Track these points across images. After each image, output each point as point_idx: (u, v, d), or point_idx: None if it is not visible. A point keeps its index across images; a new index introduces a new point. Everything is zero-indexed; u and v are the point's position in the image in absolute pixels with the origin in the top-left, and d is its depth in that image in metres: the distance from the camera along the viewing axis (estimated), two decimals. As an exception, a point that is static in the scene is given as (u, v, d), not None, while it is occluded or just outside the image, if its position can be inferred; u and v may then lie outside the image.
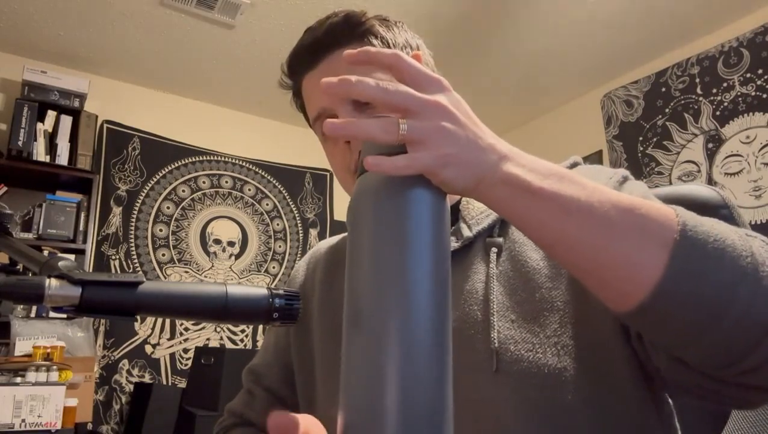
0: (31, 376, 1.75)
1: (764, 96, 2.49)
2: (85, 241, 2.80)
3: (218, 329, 3.27)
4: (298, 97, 0.72)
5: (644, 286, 0.40)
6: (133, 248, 3.13)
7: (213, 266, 3.35)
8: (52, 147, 2.77)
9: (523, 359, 0.54)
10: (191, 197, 3.38)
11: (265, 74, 3.16)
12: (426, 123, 0.40)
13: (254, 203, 3.57)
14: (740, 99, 2.56)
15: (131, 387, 2.89)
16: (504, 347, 0.55)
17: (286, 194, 3.70)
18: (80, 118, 2.87)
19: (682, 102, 2.79)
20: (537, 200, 0.42)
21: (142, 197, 3.21)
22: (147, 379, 2.98)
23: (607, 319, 0.53)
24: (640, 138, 2.97)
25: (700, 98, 2.72)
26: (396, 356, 0.36)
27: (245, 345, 3.31)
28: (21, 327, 2.12)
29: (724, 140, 2.61)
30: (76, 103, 2.88)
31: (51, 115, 2.79)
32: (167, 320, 3.11)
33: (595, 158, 3.22)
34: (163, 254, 3.22)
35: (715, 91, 2.67)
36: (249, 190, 3.57)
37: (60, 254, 0.52)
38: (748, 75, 2.54)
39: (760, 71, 2.51)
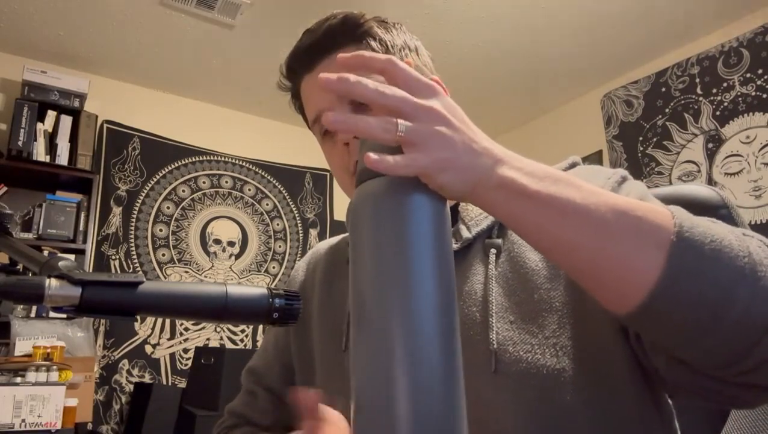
0: (31, 376, 1.75)
1: (764, 96, 2.49)
2: (85, 241, 2.80)
3: (218, 329, 3.27)
4: (297, 99, 0.72)
5: (642, 288, 0.40)
6: (133, 248, 3.13)
7: (213, 266, 3.35)
8: (52, 147, 2.77)
9: (522, 360, 0.54)
10: (191, 197, 3.38)
11: (264, 74, 3.16)
12: (422, 127, 0.40)
13: (254, 203, 3.57)
14: (740, 99, 2.56)
15: (131, 387, 2.89)
16: (503, 348, 0.55)
17: (286, 194, 3.70)
18: (80, 118, 2.87)
19: (682, 102, 2.79)
20: (533, 203, 0.42)
21: (142, 197, 3.21)
22: (147, 379, 2.98)
23: (606, 320, 0.53)
24: (640, 138, 2.97)
25: (700, 98, 2.72)
26: (404, 355, 0.36)
27: (245, 345, 3.31)
28: (21, 327, 2.13)
29: (724, 140, 2.62)
30: (76, 103, 2.88)
31: (51, 115, 2.79)
32: (167, 320, 3.11)
33: (595, 158, 3.22)
34: (163, 254, 3.22)
35: (715, 91, 2.67)
36: (249, 190, 3.58)
37: (60, 254, 0.52)
38: (748, 75, 2.55)
39: (760, 71, 2.51)
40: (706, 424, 0.72)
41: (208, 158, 3.48)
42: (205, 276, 3.31)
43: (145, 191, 3.23)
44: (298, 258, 3.61)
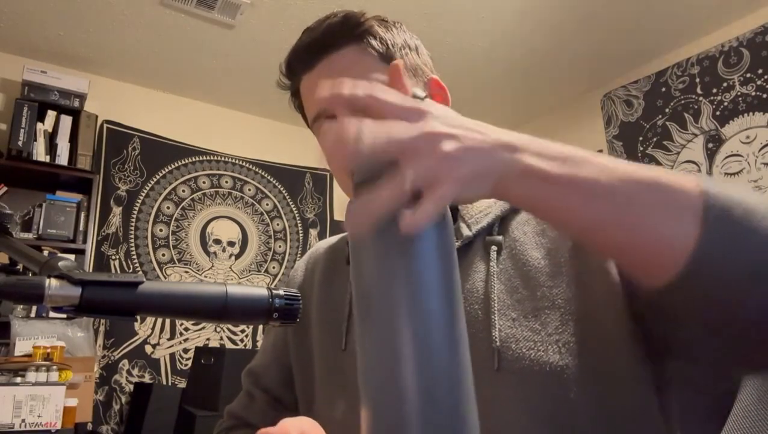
0: (31, 376, 1.75)
1: (764, 96, 2.49)
2: (85, 241, 2.80)
3: (218, 329, 3.27)
4: (297, 98, 0.72)
5: (677, 259, 0.40)
6: (133, 248, 3.13)
7: (213, 266, 3.35)
8: (52, 147, 2.77)
9: (525, 357, 0.54)
10: (191, 197, 3.38)
11: (265, 74, 3.16)
12: (427, 161, 0.37)
13: (254, 203, 3.57)
14: (740, 99, 2.56)
15: (131, 387, 2.89)
16: (505, 345, 0.55)
17: (286, 194, 3.70)
18: (80, 118, 2.87)
19: (682, 102, 2.79)
20: (557, 188, 0.41)
21: (142, 197, 3.21)
22: (147, 379, 2.98)
23: (609, 316, 0.53)
24: (640, 138, 2.97)
25: (700, 98, 2.72)
26: (412, 351, 0.36)
27: (245, 345, 3.31)
28: (21, 327, 2.13)
29: (724, 140, 2.61)
30: (76, 103, 2.88)
31: (51, 115, 2.79)
32: (167, 320, 3.11)
33: (595, 158, 3.22)
34: (163, 254, 3.22)
35: (715, 91, 2.67)
36: (249, 190, 3.57)
37: (60, 254, 0.52)
38: (748, 75, 2.54)
39: (760, 71, 2.51)
40: (708, 422, 0.72)
41: (208, 158, 3.48)
42: (205, 276, 3.31)
43: (145, 191, 3.23)
44: (298, 258, 3.61)
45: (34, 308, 2.51)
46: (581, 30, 2.79)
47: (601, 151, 3.23)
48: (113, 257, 3.04)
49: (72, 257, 2.58)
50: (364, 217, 0.37)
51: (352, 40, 0.65)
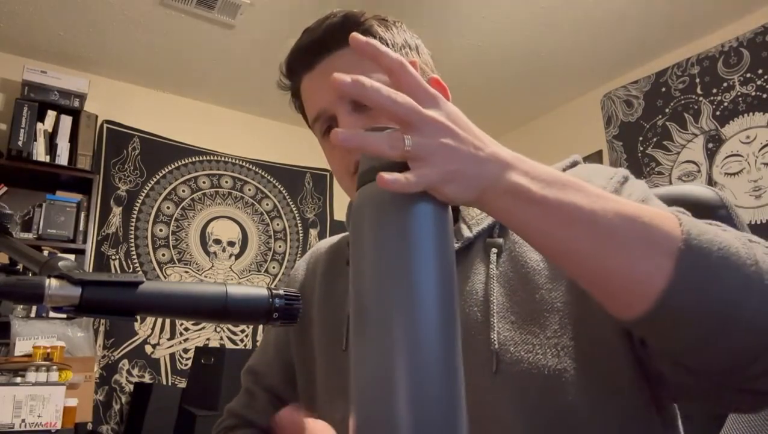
0: (31, 376, 1.75)
1: (764, 96, 2.49)
2: (85, 241, 2.80)
3: (218, 329, 3.27)
4: (297, 98, 0.72)
5: (649, 296, 0.40)
6: (133, 248, 3.13)
7: (213, 266, 3.35)
8: (52, 147, 2.77)
9: (523, 360, 0.54)
10: (191, 197, 3.38)
11: (265, 74, 3.15)
12: (428, 140, 0.40)
13: (254, 203, 3.57)
14: (740, 99, 2.56)
15: (131, 387, 2.89)
16: (504, 348, 0.55)
17: (286, 194, 3.70)
18: (80, 118, 2.87)
19: (682, 102, 2.79)
20: (539, 209, 0.42)
21: (142, 197, 3.21)
22: (147, 379, 2.98)
23: (608, 320, 0.53)
24: (640, 138, 2.97)
25: (700, 98, 2.72)
26: (405, 356, 0.36)
27: (245, 345, 3.31)
28: (21, 327, 2.13)
29: (724, 140, 2.62)
30: (76, 103, 2.88)
31: (51, 115, 2.79)
32: (167, 320, 3.11)
33: (595, 158, 3.22)
34: (163, 254, 3.22)
35: (715, 91, 2.67)
36: (249, 190, 3.58)
37: (60, 254, 0.52)
38: (748, 75, 2.55)
39: (760, 71, 2.51)
40: (709, 424, 0.72)
41: (208, 158, 3.48)
42: (205, 276, 3.31)
43: (145, 191, 3.23)
44: (298, 258, 3.61)
45: (34, 308, 2.51)
46: (581, 30, 2.79)
47: (601, 151, 3.24)
48: (113, 257, 3.04)
49: (72, 257, 2.58)
50: (357, 140, 0.39)
51: None
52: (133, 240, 3.13)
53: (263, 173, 3.65)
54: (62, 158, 2.78)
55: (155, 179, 3.28)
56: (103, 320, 2.86)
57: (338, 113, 0.62)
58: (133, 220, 3.16)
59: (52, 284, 0.39)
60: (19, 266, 0.59)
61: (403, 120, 0.40)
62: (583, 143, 3.33)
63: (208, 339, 3.23)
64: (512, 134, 3.88)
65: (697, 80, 2.74)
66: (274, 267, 3.54)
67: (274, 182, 3.67)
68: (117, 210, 3.11)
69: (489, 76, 3.23)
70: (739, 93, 2.57)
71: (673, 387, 0.50)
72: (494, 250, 0.60)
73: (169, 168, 3.34)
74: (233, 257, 3.42)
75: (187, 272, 3.26)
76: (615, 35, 2.83)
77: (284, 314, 0.46)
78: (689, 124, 2.76)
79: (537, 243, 0.44)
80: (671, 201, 0.57)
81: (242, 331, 3.34)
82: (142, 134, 3.27)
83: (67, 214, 2.76)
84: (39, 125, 2.74)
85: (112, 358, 2.90)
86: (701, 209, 0.71)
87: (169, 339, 3.12)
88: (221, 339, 3.27)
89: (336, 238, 0.82)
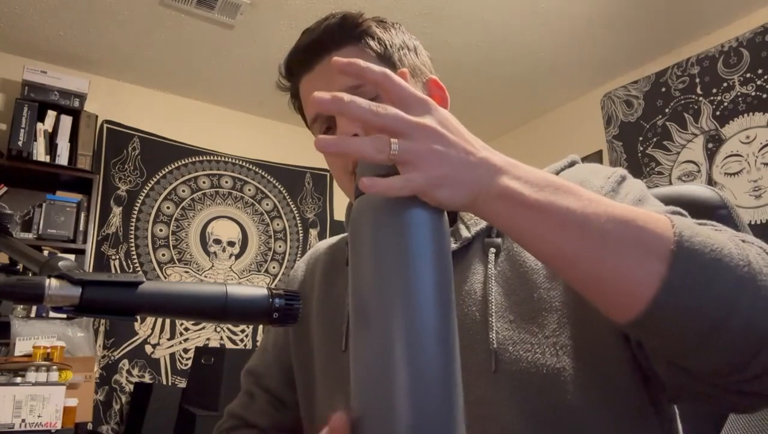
0: (31, 376, 1.76)
1: (764, 96, 2.49)
2: (85, 241, 2.80)
3: (218, 329, 3.27)
4: (296, 99, 0.72)
5: (642, 298, 0.40)
6: (133, 248, 3.13)
7: (213, 266, 3.35)
8: (52, 147, 2.77)
9: (522, 359, 0.54)
10: (191, 197, 3.38)
11: (265, 74, 3.16)
12: (416, 145, 0.40)
13: (254, 203, 3.57)
14: (740, 99, 2.56)
15: (131, 387, 2.89)
16: (503, 347, 0.55)
17: (286, 194, 3.70)
18: (80, 118, 2.87)
19: (682, 102, 2.79)
20: (532, 213, 0.42)
21: (142, 197, 3.21)
22: (147, 379, 2.98)
23: (605, 320, 0.53)
24: (640, 138, 2.97)
25: (700, 98, 2.72)
26: (403, 355, 0.36)
27: (245, 345, 3.31)
28: (21, 326, 2.13)
29: (724, 140, 2.61)
30: (76, 103, 2.88)
31: (51, 115, 2.79)
32: (167, 320, 3.11)
33: (595, 158, 3.22)
34: (163, 254, 3.22)
35: (715, 91, 2.67)
36: (249, 190, 3.58)
37: (60, 254, 0.52)
38: (748, 75, 2.54)
39: (760, 71, 2.51)
40: (708, 423, 0.72)
41: (208, 158, 3.48)
42: (205, 276, 3.31)
43: (145, 191, 3.23)
44: (298, 258, 3.61)
45: (34, 308, 2.51)
46: (581, 30, 2.79)
47: (600, 151, 3.24)
48: (113, 257, 3.04)
49: (72, 257, 2.58)
50: (341, 145, 0.40)
51: (351, 41, 0.65)
52: (133, 240, 3.13)
53: (263, 173, 3.65)
54: (62, 158, 2.78)
55: (155, 179, 3.28)
56: (103, 320, 2.86)
57: (335, 114, 0.62)
58: (133, 220, 3.16)
59: (52, 284, 0.40)
60: (19, 266, 0.59)
61: (389, 130, 0.40)
62: (582, 143, 3.33)
63: (208, 339, 3.23)
64: (512, 134, 3.88)
65: (697, 80, 2.74)
66: (274, 267, 3.54)
67: (274, 182, 3.67)
68: (117, 210, 3.11)
69: (489, 76, 3.23)
70: (739, 93, 2.57)
71: (670, 387, 0.50)
72: (492, 250, 0.61)
73: (169, 168, 3.34)
74: (233, 257, 3.42)
75: (187, 272, 3.26)
76: (615, 35, 2.83)
77: (284, 315, 0.46)
78: (689, 124, 2.76)
79: (530, 247, 0.44)
80: (671, 201, 0.57)
81: (242, 331, 3.34)
82: (142, 134, 3.27)
83: (67, 214, 2.76)
84: (39, 125, 2.74)
85: (112, 358, 2.90)
86: (701, 209, 0.71)
87: (169, 339, 3.12)
88: (221, 339, 3.27)
89: (335, 238, 0.82)
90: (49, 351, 1.91)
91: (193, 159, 3.43)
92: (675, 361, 0.45)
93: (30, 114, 2.71)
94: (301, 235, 3.69)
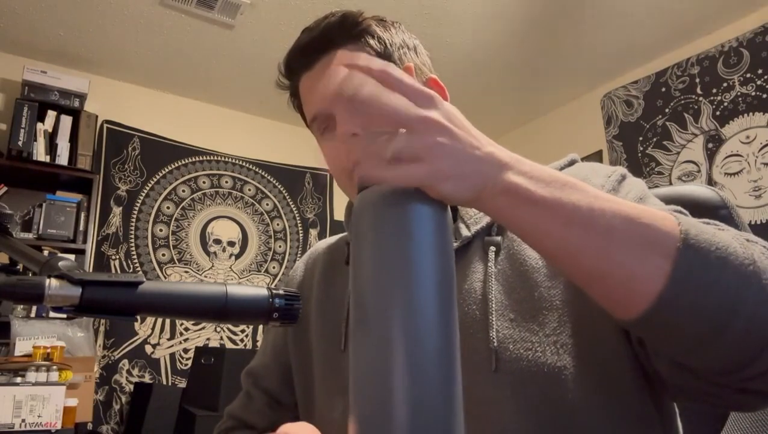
0: (31, 376, 1.75)
1: (764, 96, 2.49)
2: (85, 241, 2.80)
3: (218, 329, 3.27)
4: (296, 98, 0.72)
5: (647, 296, 0.40)
6: (133, 248, 3.13)
7: (213, 266, 3.35)
8: (52, 147, 2.77)
9: (522, 358, 0.54)
10: (191, 197, 3.38)
11: (265, 74, 3.16)
12: (421, 139, 0.40)
13: (254, 203, 3.57)
14: (740, 99, 2.56)
15: (131, 387, 2.89)
16: (503, 346, 0.55)
17: (286, 194, 3.70)
18: (80, 118, 2.87)
19: (682, 102, 2.79)
20: (538, 209, 0.41)
21: (142, 197, 3.21)
22: (147, 379, 2.98)
23: (607, 318, 0.53)
24: (640, 138, 2.97)
25: (700, 98, 2.72)
26: (403, 356, 0.36)
27: (245, 345, 3.31)
28: (21, 327, 2.13)
29: (724, 140, 2.61)
30: (76, 103, 2.88)
31: (51, 115, 2.79)
32: (167, 320, 3.11)
33: (595, 158, 3.22)
34: (163, 254, 3.22)
35: (715, 91, 2.67)
36: (249, 190, 3.58)
37: (60, 254, 0.52)
38: (748, 75, 2.54)
39: (760, 71, 2.51)
40: (707, 422, 0.72)
41: (208, 158, 3.48)
42: (205, 276, 3.31)
43: (145, 191, 3.23)
44: (298, 258, 3.60)
45: (34, 308, 2.51)
46: (581, 30, 2.79)
47: (600, 151, 3.24)
48: (113, 257, 3.04)
49: (72, 257, 2.58)
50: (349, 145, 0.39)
51: (350, 40, 0.65)
52: (133, 240, 3.13)
53: (263, 173, 3.65)
54: (62, 158, 2.78)
55: (155, 179, 3.28)
56: (103, 320, 2.86)
57: (336, 112, 0.62)
58: (133, 220, 3.16)
59: (52, 284, 0.39)
60: (19, 266, 0.59)
61: (396, 122, 0.40)
62: (583, 143, 3.33)
63: (208, 339, 3.23)
64: (512, 134, 3.88)
65: (697, 80, 2.74)
66: (274, 267, 3.54)
67: (274, 182, 3.67)
68: (117, 210, 3.11)
69: (489, 76, 3.23)
70: (739, 93, 2.57)
71: (671, 386, 0.50)
72: (492, 248, 0.60)
73: (169, 168, 3.34)
74: (233, 257, 3.42)
75: (187, 272, 3.26)
76: (615, 35, 2.83)
77: (284, 314, 0.46)
78: (689, 124, 2.76)
79: (534, 243, 0.44)
80: (672, 201, 0.57)
81: (242, 331, 3.34)
82: (142, 134, 3.27)
83: (67, 214, 2.76)
84: (39, 125, 2.74)
85: (112, 358, 2.90)
86: (702, 209, 0.71)
87: (169, 339, 3.12)
88: (221, 339, 3.27)
89: (334, 238, 0.82)
90: (49, 351, 1.91)
91: (193, 159, 3.43)
92: (678, 359, 0.45)
93: (30, 114, 2.71)
94: (301, 235, 3.69)
